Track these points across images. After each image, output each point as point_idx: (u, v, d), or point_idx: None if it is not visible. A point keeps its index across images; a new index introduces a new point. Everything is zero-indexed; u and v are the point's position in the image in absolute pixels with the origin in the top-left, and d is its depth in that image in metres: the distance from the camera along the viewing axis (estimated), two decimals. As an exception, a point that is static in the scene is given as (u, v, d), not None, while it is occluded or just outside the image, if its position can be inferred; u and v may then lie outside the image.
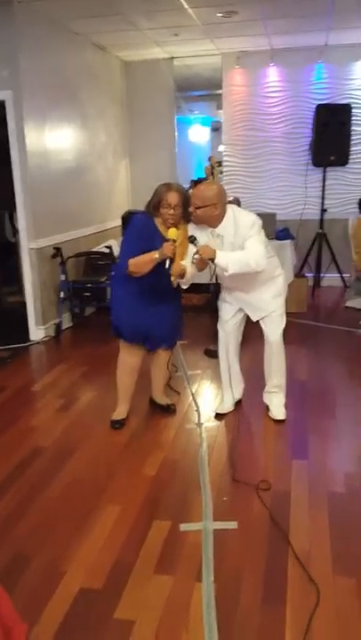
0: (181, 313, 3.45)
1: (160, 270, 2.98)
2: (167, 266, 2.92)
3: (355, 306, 5.70)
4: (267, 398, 3.49)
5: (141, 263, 2.99)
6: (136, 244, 3.03)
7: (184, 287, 3.19)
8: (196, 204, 2.98)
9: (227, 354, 3.42)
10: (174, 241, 2.94)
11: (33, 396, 3.91)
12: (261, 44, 6.01)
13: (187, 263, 3.01)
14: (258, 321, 3.33)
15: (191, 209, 3.01)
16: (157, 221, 3.06)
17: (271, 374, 3.40)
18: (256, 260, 2.94)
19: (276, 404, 3.43)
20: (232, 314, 3.33)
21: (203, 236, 3.06)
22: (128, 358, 3.34)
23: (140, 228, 3.10)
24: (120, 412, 3.42)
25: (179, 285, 3.17)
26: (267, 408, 3.48)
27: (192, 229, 3.08)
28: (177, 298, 3.35)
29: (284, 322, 3.32)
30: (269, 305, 3.25)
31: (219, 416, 3.47)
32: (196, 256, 2.94)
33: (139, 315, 3.19)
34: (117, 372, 3.40)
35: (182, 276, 3.03)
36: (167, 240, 2.94)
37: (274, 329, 3.29)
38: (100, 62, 6.05)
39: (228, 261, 2.92)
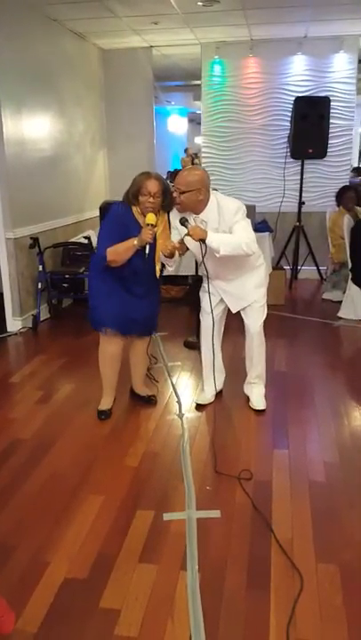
0: (159, 302, 3.45)
1: (139, 259, 2.98)
2: (147, 252, 2.91)
3: (331, 298, 5.77)
4: (247, 389, 3.52)
5: (121, 251, 2.97)
6: (114, 233, 3.01)
7: (170, 268, 3.16)
8: (179, 188, 2.96)
9: (209, 345, 3.43)
10: (153, 226, 2.93)
11: (11, 388, 3.86)
12: (241, 35, 6.00)
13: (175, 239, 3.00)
14: (238, 312, 3.35)
15: (175, 194, 2.99)
16: (135, 210, 3.03)
17: (252, 365, 3.43)
18: (247, 243, 2.95)
19: (257, 395, 3.45)
20: (214, 304, 3.33)
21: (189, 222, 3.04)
22: (109, 347, 3.32)
23: (117, 218, 3.07)
24: (106, 403, 3.41)
25: (159, 274, 3.17)
26: (247, 399, 3.50)
27: (175, 217, 3.07)
28: (156, 287, 3.34)
29: (265, 313, 3.35)
30: (251, 295, 3.27)
31: (200, 407, 3.49)
32: (187, 237, 2.92)
33: (122, 305, 3.17)
34: (100, 364, 3.38)
35: (172, 254, 3.01)
36: (146, 226, 2.93)
37: (255, 319, 3.31)
38: (77, 50, 5.96)
39: (220, 242, 2.91)
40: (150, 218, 2.94)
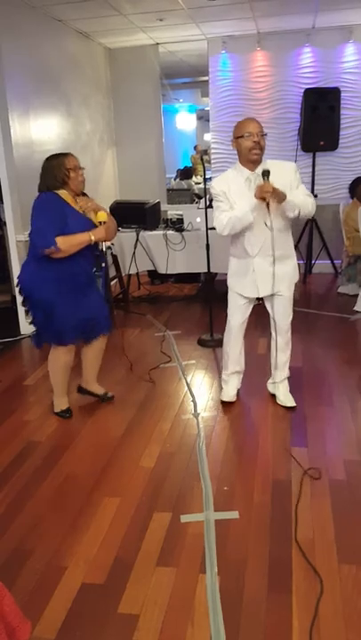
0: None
1: (86, 258, 3.03)
2: (101, 247, 3.03)
3: (347, 292, 5.68)
4: (272, 387, 3.46)
5: (76, 243, 2.94)
6: (55, 221, 2.92)
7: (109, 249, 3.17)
8: (262, 132, 2.92)
9: (237, 341, 3.36)
10: (105, 223, 3.02)
11: (26, 391, 3.84)
12: (248, 28, 5.93)
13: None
14: (260, 307, 3.28)
15: (256, 139, 2.89)
16: (63, 194, 3.00)
17: (280, 366, 3.35)
18: (313, 202, 2.95)
19: (284, 392, 3.39)
20: (242, 319, 3.28)
21: (246, 182, 2.97)
22: (64, 356, 3.27)
23: (51, 204, 2.96)
24: (64, 403, 3.40)
25: (101, 269, 3.19)
26: (272, 396, 3.45)
27: (235, 181, 3.00)
28: (106, 285, 3.36)
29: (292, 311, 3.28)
30: (288, 278, 3.15)
31: (225, 404, 3.43)
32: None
33: (81, 309, 3.10)
34: (51, 369, 3.33)
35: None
36: (100, 223, 3.01)
37: (285, 316, 3.22)
38: (83, 50, 5.94)
39: (297, 201, 2.90)
40: (103, 216, 3.01)
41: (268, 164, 2.96)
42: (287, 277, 3.16)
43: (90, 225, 3.03)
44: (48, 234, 2.89)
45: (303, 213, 2.95)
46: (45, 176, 3.00)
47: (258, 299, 3.28)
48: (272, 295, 3.18)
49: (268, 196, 2.82)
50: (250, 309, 3.31)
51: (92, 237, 2.94)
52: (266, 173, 2.83)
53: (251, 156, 2.92)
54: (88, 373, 3.50)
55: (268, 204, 2.86)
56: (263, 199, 2.84)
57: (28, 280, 3.09)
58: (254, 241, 3.04)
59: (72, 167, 2.97)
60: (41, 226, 2.93)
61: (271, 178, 2.85)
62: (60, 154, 3.04)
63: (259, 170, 2.92)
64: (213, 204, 3.06)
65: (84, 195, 3.14)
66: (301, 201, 2.92)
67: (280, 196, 2.84)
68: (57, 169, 2.96)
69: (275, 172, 2.88)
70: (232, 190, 2.97)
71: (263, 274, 3.10)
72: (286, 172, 2.97)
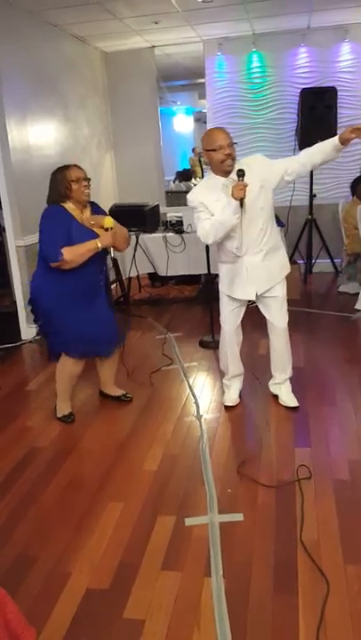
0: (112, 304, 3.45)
1: (95, 268, 3.03)
2: (111, 254, 3.01)
3: (348, 291, 5.66)
4: (275, 388, 3.45)
5: (83, 252, 2.94)
6: (61, 234, 2.94)
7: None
8: (232, 141, 2.93)
9: (233, 348, 3.36)
10: (112, 229, 3.01)
11: (28, 396, 3.84)
12: (243, 30, 5.93)
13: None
14: (256, 309, 3.28)
15: (229, 150, 2.91)
16: (69, 207, 3.01)
17: (281, 366, 3.33)
18: (296, 159, 2.99)
19: (286, 392, 3.38)
20: (236, 324, 3.28)
21: (218, 190, 2.95)
22: (72, 367, 3.26)
23: (58, 218, 2.99)
24: (66, 407, 3.40)
25: (105, 279, 3.26)
26: (275, 397, 3.44)
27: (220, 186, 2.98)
28: (108, 293, 3.33)
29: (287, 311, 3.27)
30: (277, 276, 3.14)
31: (228, 408, 3.42)
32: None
33: (85, 326, 3.10)
34: (57, 376, 3.33)
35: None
36: (106, 229, 3.01)
37: (281, 316, 3.21)
38: (80, 54, 5.94)
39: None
40: (109, 221, 3.00)
41: (240, 163, 2.95)
42: (278, 268, 3.15)
43: (93, 236, 3.01)
44: (54, 247, 2.92)
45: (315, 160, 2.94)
46: (51, 189, 3.04)
47: (250, 301, 3.27)
48: (265, 297, 3.17)
49: (245, 191, 2.76)
50: (242, 313, 3.30)
51: (99, 244, 2.93)
52: (241, 173, 2.81)
53: (224, 167, 2.93)
54: (104, 378, 3.54)
55: (241, 202, 2.80)
56: (242, 198, 2.78)
57: (35, 287, 3.15)
58: (240, 241, 3.03)
59: (74, 179, 2.96)
60: (47, 239, 2.99)
61: (249, 175, 2.82)
62: (64, 166, 3.03)
63: (233, 175, 2.91)
64: (194, 215, 3.04)
65: (93, 204, 3.15)
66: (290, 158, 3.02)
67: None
68: (60, 182, 2.98)
69: (251, 169, 2.88)
70: (210, 199, 2.95)
71: (256, 270, 3.08)
72: (260, 164, 2.97)
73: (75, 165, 3.03)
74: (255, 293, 3.14)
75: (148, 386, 3.78)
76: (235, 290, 3.17)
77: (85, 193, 3.00)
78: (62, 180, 2.98)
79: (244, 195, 2.75)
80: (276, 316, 3.21)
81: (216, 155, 2.91)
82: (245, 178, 2.78)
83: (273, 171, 2.98)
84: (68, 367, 3.27)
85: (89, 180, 3.03)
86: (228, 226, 2.88)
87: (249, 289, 3.12)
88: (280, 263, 3.17)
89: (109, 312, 3.26)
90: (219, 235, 2.94)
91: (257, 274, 3.09)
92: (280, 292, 3.18)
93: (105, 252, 3.06)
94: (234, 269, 3.13)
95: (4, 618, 1.53)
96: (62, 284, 3.02)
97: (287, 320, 3.25)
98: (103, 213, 3.21)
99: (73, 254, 2.91)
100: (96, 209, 3.18)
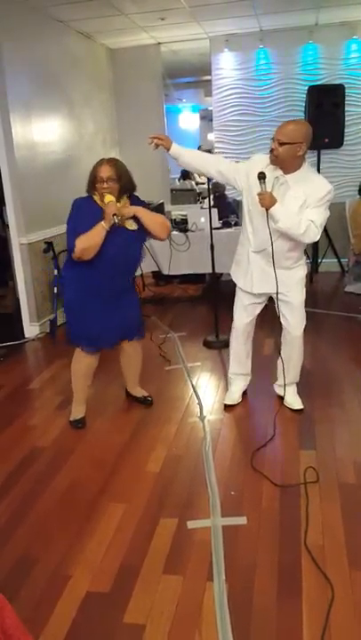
0: (138, 303, 3.34)
1: (115, 262, 2.94)
2: (117, 222, 2.87)
3: (354, 291, 5.61)
4: (279, 389, 3.40)
5: (92, 236, 2.87)
6: (80, 225, 2.90)
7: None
8: (280, 139, 2.77)
9: (239, 345, 3.33)
10: (113, 202, 2.90)
11: (30, 395, 3.81)
12: (250, 26, 5.88)
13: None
14: (269, 310, 3.23)
15: (273, 145, 2.80)
16: (96, 199, 2.98)
17: (289, 370, 3.27)
18: (309, 228, 2.79)
19: (292, 394, 3.33)
20: (247, 320, 3.23)
21: (268, 180, 2.84)
22: (84, 361, 3.22)
23: (79, 210, 2.99)
24: (79, 411, 3.32)
25: (133, 277, 3.20)
26: (280, 398, 3.40)
27: (262, 169, 2.87)
28: (131, 286, 3.26)
29: (305, 317, 3.20)
30: (288, 282, 3.07)
31: (228, 407, 3.38)
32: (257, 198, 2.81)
33: (97, 319, 3.07)
34: (72, 376, 3.29)
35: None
36: (106, 204, 2.91)
37: (298, 321, 3.14)
38: (85, 51, 5.91)
39: (283, 215, 2.77)
40: (108, 197, 2.90)
41: (302, 172, 2.87)
42: (287, 282, 3.05)
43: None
44: (72, 238, 2.91)
45: (290, 232, 2.82)
46: (89, 179, 3.02)
47: (269, 300, 3.22)
48: (280, 301, 3.10)
49: (261, 199, 2.77)
50: (257, 311, 3.25)
51: (103, 223, 2.87)
52: (261, 176, 2.78)
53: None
54: (126, 377, 3.50)
55: (265, 212, 2.80)
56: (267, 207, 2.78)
57: (63, 277, 3.23)
58: (256, 238, 2.99)
59: (98, 178, 2.93)
60: (68, 230, 2.99)
61: (295, 186, 2.81)
62: (100, 160, 2.99)
63: (271, 173, 2.85)
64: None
65: (133, 197, 3.09)
66: (287, 216, 2.77)
67: (266, 202, 2.77)
68: (91, 174, 2.98)
69: (304, 183, 2.81)
70: (253, 176, 2.87)
71: (258, 270, 3.05)
72: (315, 190, 2.83)
73: (107, 162, 2.94)
74: (257, 289, 3.10)
75: (152, 386, 3.74)
76: (238, 276, 3.18)
77: (102, 194, 2.93)
78: (92, 174, 2.97)
79: (263, 203, 2.79)
80: (290, 321, 3.14)
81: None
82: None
83: (308, 204, 2.88)
84: (77, 359, 3.24)
85: (113, 180, 2.91)
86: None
87: (250, 281, 3.10)
88: (290, 277, 3.06)
89: (124, 306, 3.17)
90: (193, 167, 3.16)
91: (259, 274, 3.06)
92: (294, 298, 3.10)
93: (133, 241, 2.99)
94: (242, 255, 3.13)
95: (2, 623, 1.50)
96: (75, 274, 3.04)
97: (302, 328, 3.16)
98: (146, 205, 3.14)
99: (84, 241, 2.87)
100: (135, 201, 3.09)
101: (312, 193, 2.81)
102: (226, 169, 3.04)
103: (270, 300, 3.21)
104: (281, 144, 2.76)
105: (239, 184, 3.01)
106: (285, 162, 2.82)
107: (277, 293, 3.06)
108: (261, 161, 2.91)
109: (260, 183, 2.78)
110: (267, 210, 2.78)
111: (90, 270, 2.95)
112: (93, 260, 2.91)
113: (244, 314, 3.23)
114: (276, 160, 2.83)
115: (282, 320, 3.17)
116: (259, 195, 2.79)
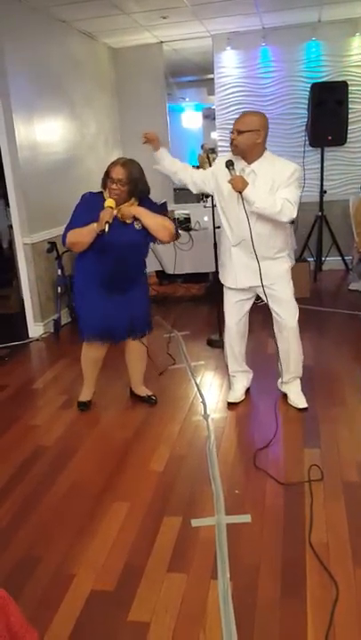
0: (149, 300, 3.37)
1: (121, 255, 2.97)
2: (106, 230, 2.86)
3: (358, 289, 5.59)
4: (284, 387, 3.39)
5: (82, 233, 2.93)
6: (80, 218, 2.98)
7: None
8: (238, 128, 2.86)
9: (234, 344, 3.32)
10: (112, 208, 2.91)
11: (34, 394, 3.82)
12: (253, 24, 5.86)
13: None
14: (264, 307, 3.22)
15: (232, 135, 2.88)
16: (106, 195, 3.00)
17: (290, 365, 3.26)
18: (284, 205, 2.82)
19: (296, 392, 3.32)
20: (237, 318, 3.24)
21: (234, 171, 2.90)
22: (90, 353, 3.33)
23: (84, 203, 3.07)
24: (86, 394, 3.47)
25: (143, 271, 3.23)
26: (284, 396, 3.39)
27: (222, 161, 2.98)
28: (140, 282, 3.26)
29: (297, 308, 3.19)
30: (280, 277, 3.09)
31: (231, 405, 3.38)
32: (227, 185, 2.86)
33: (103, 312, 3.11)
34: (82, 364, 3.42)
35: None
36: (104, 208, 2.91)
37: (291, 314, 3.14)
38: (87, 50, 5.91)
39: (258, 196, 2.81)
40: (109, 202, 2.92)
41: (265, 158, 2.92)
42: (270, 274, 3.04)
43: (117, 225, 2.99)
44: (67, 230, 3.01)
45: (266, 213, 2.84)
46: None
47: (258, 299, 3.22)
48: (270, 294, 3.10)
49: (233, 183, 2.81)
50: (246, 307, 3.25)
51: (94, 225, 2.89)
52: (229, 163, 2.87)
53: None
54: (131, 376, 3.52)
55: (240, 197, 2.83)
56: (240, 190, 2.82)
57: (74, 267, 3.35)
58: (234, 231, 3.02)
59: (110, 177, 2.95)
60: (69, 221, 3.06)
61: (261, 172, 2.88)
62: (116, 159, 3.02)
63: (237, 166, 2.91)
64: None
65: (145, 199, 3.11)
66: (263, 199, 2.81)
67: (239, 184, 2.80)
68: (106, 171, 3.01)
69: (270, 168, 2.88)
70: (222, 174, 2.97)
71: (241, 264, 3.08)
72: (280, 171, 2.88)
73: (122, 164, 2.94)
74: (241, 283, 3.12)
75: (155, 385, 3.74)
76: (224, 275, 3.22)
77: (112, 195, 2.94)
78: (107, 171, 3.00)
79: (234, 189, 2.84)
80: (281, 315, 3.16)
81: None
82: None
83: (279, 186, 2.93)
84: (84, 351, 3.36)
85: (123, 183, 2.92)
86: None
87: (234, 278, 3.13)
88: (274, 271, 3.06)
89: (132, 302, 3.18)
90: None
91: (242, 269, 3.08)
92: (282, 292, 3.11)
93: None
94: (224, 253, 3.18)
95: (7, 620, 1.50)
96: (86, 269, 3.11)
97: (296, 318, 3.17)
98: (155, 208, 3.16)
99: (73, 236, 2.97)
100: (146, 203, 3.09)
101: (279, 174, 2.88)
102: (198, 177, 3.18)
103: (258, 298, 3.21)
104: (240, 132, 2.85)
105: (210, 186, 3.11)
106: (246, 150, 2.89)
107: (263, 286, 3.04)
108: (225, 159, 2.98)
109: (230, 170, 2.86)
110: (240, 193, 2.81)
111: (97, 259, 3.01)
112: (100, 250, 2.96)
113: (233, 312, 3.25)
114: (236, 149, 2.91)
115: (275, 316, 3.18)
116: (230, 181, 2.83)
